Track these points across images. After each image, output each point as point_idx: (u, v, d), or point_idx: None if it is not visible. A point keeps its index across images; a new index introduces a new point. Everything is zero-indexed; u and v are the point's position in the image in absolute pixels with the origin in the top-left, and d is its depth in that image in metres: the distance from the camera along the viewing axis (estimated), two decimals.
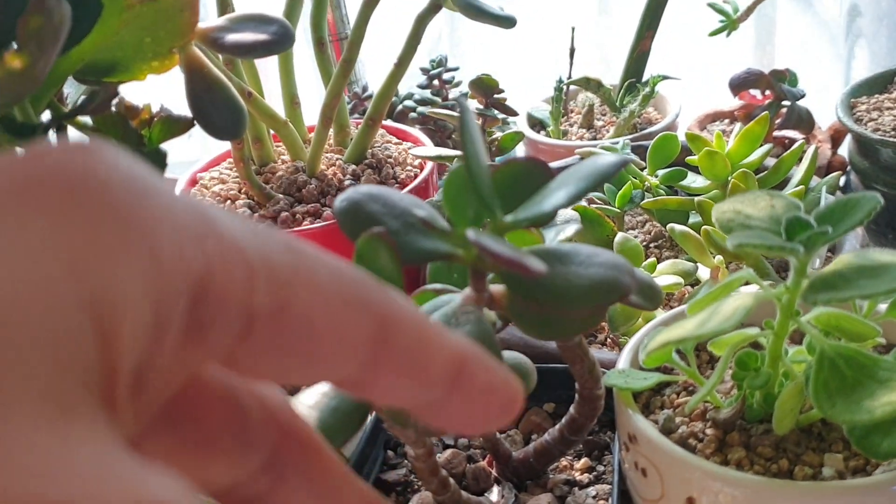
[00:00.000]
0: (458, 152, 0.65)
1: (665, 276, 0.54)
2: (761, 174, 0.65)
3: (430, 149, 0.65)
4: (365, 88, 0.93)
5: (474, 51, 1.15)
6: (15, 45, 0.32)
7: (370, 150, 0.70)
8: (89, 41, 0.40)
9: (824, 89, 1.00)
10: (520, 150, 0.91)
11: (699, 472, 0.37)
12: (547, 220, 0.34)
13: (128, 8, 0.38)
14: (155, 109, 0.50)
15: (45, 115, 0.42)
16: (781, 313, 0.37)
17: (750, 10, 0.80)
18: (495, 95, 0.63)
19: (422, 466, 0.40)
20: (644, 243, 0.69)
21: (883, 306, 0.41)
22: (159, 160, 0.48)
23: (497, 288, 0.35)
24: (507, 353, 0.47)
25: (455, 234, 0.33)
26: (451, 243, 0.33)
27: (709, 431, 0.40)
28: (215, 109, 0.47)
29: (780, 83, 0.80)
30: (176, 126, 0.49)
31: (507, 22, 0.63)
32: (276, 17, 0.49)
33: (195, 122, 0.48)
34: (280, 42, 0.48)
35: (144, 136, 0.49)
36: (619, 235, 0.58)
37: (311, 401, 0.34)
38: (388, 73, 0.66)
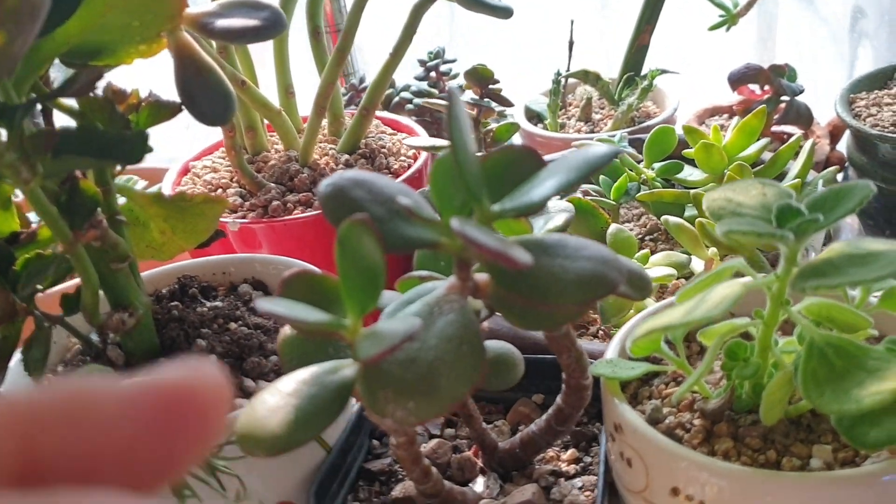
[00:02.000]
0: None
1: (658, 267, 0.54)
2: (758, 168, 0.65)
3: (423, 139, 0.64)
4: (362, 80, 0.92)
5: (475, 42, 1.14)
6: None
7: (364, 141, 0.69)
8: (74, 23, 0.39)
9: (827, 85, 0.99)
10: (517, 143, 0.91)
11: (685, 463, 0.36)
12: (536, 209, 0.33)
13: None
14: (144, 94, 0.50)
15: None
16: (771, 302, 0.36)
17: (749, 5, 0.80)
18: (490, 86, 0.62)
19: (403, 455, 0.40)
20: (639, 236, 0.68)
21: (875, 298, 0.41)
22: (141, 143, 0.47)
23: (482, 277, 0.34)
24: (493, 343, 0.47)
25: (440, 222, 0.32)
26: (436, 232, 0.33)
27: (696, 422, 0.40)
28: (204, 95, 0.47)
29: (778, 78, 0.80)
30: (164, 111, 0.49)
31: (503, 12, 0.63)
32: (267, 3, 0.48)
33: (183, 107, 0.48)
34: (271, 28, 0.47)
35: (132, 120, 0.49)
36: (613, 226, 0.57)
37: (288, 388, 0.33)
38: (384, 63, 0.66)
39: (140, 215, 0.52)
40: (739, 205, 0.35)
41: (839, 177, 0.85)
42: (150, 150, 0.49)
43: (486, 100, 0.62)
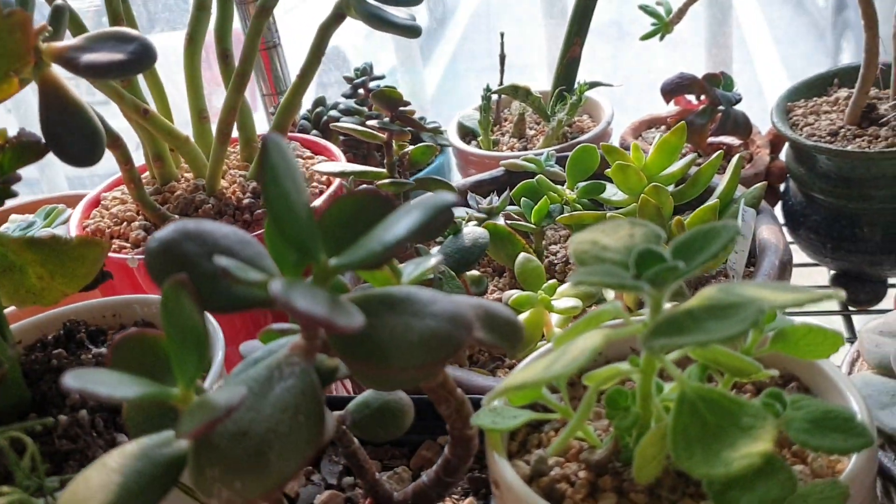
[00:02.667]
0: (367, 168, 0.62)
1: (564, 299, 0.51)
2: (682, 185, 0.63)
3: (331, 164, 0.61)
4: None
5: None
6: None
7: None
8: None
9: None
10: (452, 162, 0.88)
11: None
12: (380, 260, 0.31)
13: None
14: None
15: None
16: (645, 350, 0.34)
17: (681, 13, 0.77)
18: (401, 108, 0.59)
19: None
20: (565, 259, 0.66)
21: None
22: (5, 192, 0.45)
23: None
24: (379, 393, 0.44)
25: (266, 282, 0.30)
26: (265, 291, 0.30)
27: (581, 475, 0.37)
28: (69, 135, 0.44)
29: (714, 88, 0.77)
30: (28, 152, 0.46)
31: (411, 32, 0.60)
32: (135, 34, 0.45)
33: (49, 148, 0.45)
34: (137, 62, 0.44)
35: None
36: (521, 256, 0.55)
37: (114, 463, 0.31)
38: (291, 85, 0.63)
39: (15, 261, 0.49)
40: (604, 248, 0.33)
41: (783, 187, 0.83)
42: (14, 195, 0.47)
43: (396, 123, 0.59)
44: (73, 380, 0.28)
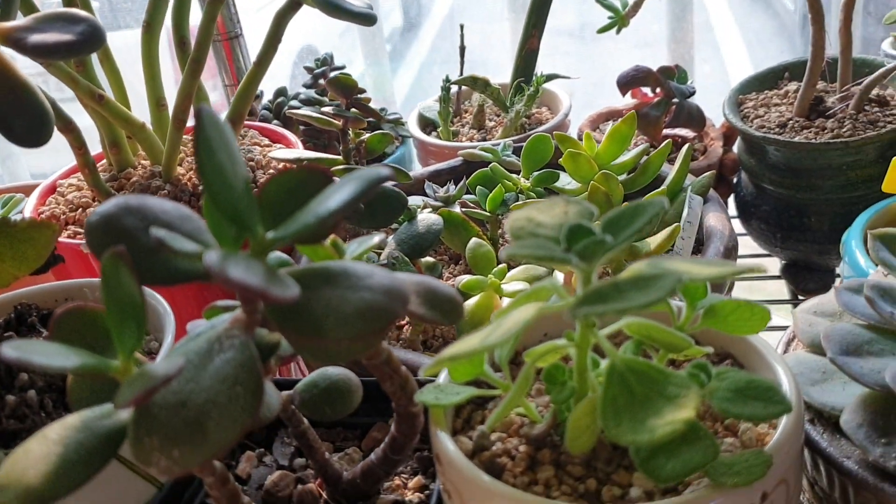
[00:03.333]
0: (322, 155, 0.63)
1: (514, 282, 0.52)
2: (633, 174, 0.64)
3: (287, 151, 0.62)
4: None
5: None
6: None
7: None
8: None
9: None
10: (413, 153, 0.89)
11: (497, 498, 0.35)
12: (315, 232, 0.31)
13: None
14: None
15: None
16: (580, 325, 0.35)
17: (637, 6, 0.78)
18: (356, 96, 0.60)
19: (217, 496, 0.38)
20: None
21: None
22: None
23: None
24: (329, 370, 0.45)
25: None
26: (201, 263, 0.31)
27: (521, 448, 0.38)
28: (16, 115, 0.44)
29: (668, 81, 0.79)
30: None
31: (365, 19, 0.61)
32: (85, 15, 0.46)
33: None
34: (86, 43, 0.45)
35: None
36: (472, 241, 0.56)
37: (55, 434, 0.31)
38: (248, 72, 0.64)
39: None
40: (539, 224, 0.34)
41: (735, 179, 0.85)
42: None
43: (351, 110, 0.60)
44: (12, 350, 0.29)
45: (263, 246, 0.31)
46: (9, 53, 0.47)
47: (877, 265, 0.42)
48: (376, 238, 0.39)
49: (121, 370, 0.31)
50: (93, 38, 0.45)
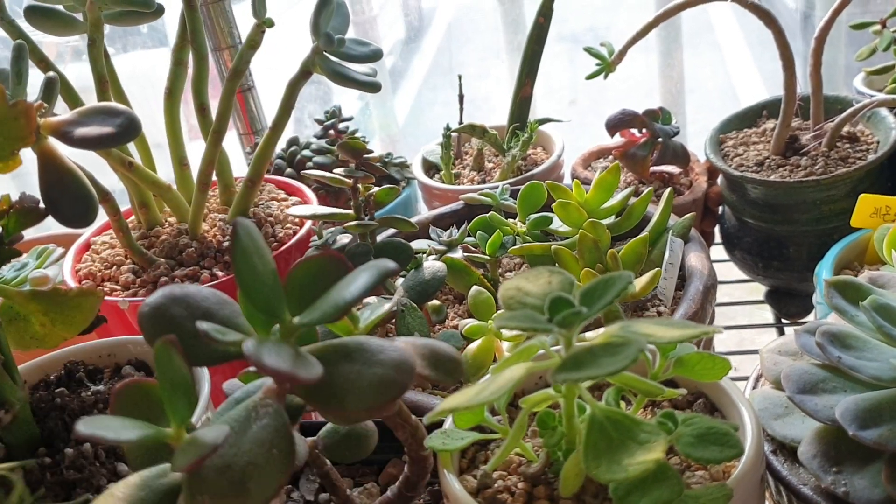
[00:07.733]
0: (336, 210, 0.68)
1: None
2: (619, 218, 0.69)
3: (303, 208, 0.68)
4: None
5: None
6: None
7: (252, 209, 0.73)
8: None
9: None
10: (418, 193, 0.95)
11: None
12: (335, 317, 0.37)
13: None
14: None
15: None
16: (554, 383, 0.40)
17: (622, 54, 0.84)
18: (364, 156, 0.66)
19: None
20: None
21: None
22: (10, 252, 0.50)
23: None
24: None
25: (240, 340, 0.36)
26: (239, 348, 0.36)
27: (520, 485, 0.44)
28: (65, 200, 0.50)
29: (653, 122, 0.84)
30: (29, 217, 0.52)
31: (371, 87, 0.67)
32: (122, 109, 0.51)
33: (48, 211, 0.51)
34: (125, 133, 0.50)
35: (3, 224, 0.52)
36: (473, 289, 0.61)
37: (120, 492, 0.37)
38: (264, 136, 0.70)
39: (20, 311, 0.55)
40: (527, 294, 0.39)
41: (720, 210, 0.90)
42: (17, 254, 0.53)
43: (360, 170, 0.66)
44: (84, 427, 0.34)
45: (290, 331, 0.37)
46: (54, 140, 0.53)
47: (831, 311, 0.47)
48: (385, 307, 0.44)
49: (174, 437, 0.37)
50: (130, 130, 0.51)
